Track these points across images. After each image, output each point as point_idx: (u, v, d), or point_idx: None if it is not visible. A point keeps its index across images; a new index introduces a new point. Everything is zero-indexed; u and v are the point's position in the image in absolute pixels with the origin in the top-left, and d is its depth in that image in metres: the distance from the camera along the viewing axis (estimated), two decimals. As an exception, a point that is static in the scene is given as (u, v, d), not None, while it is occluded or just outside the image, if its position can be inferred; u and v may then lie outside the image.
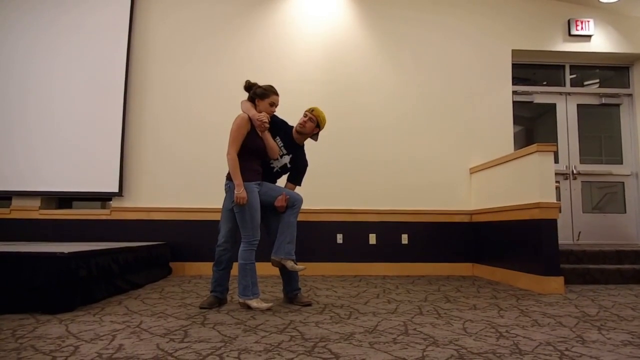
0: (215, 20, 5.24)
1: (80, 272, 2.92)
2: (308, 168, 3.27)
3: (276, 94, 3.05)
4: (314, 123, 3.14)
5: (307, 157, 3.28)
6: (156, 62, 5.16)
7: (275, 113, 3.14)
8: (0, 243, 4.18)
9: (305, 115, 3.14)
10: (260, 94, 3.00)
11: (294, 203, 3.03)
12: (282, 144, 3.14)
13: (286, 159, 3.16)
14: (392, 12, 5.38)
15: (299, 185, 3.24)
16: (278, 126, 3.16)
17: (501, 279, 4.35)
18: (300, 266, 3.01)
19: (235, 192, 2.79)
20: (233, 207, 2.90)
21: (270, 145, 3.02)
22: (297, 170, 3.20)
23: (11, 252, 2.85)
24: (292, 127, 3.21)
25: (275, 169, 3.16)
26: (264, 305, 2.87)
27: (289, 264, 2.96)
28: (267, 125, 2.98)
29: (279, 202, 2.99)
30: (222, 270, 3.04)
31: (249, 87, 3.07)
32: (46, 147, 4.89)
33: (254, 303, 2.86)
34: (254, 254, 2.89)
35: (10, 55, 5.01)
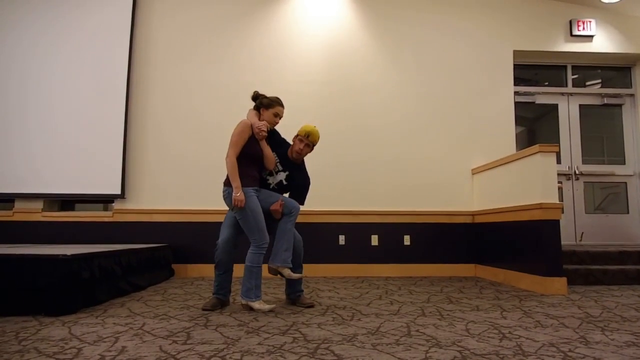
0: (217, 21, 5.25)
1: (82, 274, 2.92)
2: (309, 166, 3.26)
3: (281, 105, 3.07)
4: (310, 148, 3.13)
5: (309, 157, 3.27)
6: (158, 63, 5.17)
7: (295, 161, 3.17)
8: (3, 245, 4.19)
9: (301, 141, 3.08)
10: (266, 104, 3.03)
11: (291, 210, 3.00)
12: (278, 160, 3.13)
13: (282, 176, 3.13)
14: (394, 13, 5.39)
15: (301, 204, 3.15)
16: (278, 143, 3.17)
17: (504, 280, 4.34)
18: (297, 274, 3.00)
19: (233, 195, 2.80)
20: (235, 214, 2.91)
21: (266, 155, 3.02)
22: (297, 187, 3.16)
23: (14, 255, 2.86)
24: (289, 145, 3.19)
25: (271, 186, 3.12)
26: (267, 306, 2.87)
27: (286, 272, 2.93)
28: (265, 134, 2.98)
29: (274, 206, 2.96)
30: (223, 274, 3.04)
31: (256, 97, 3.09)
32: (48, 149, 4.90)
33: (256, 305, 2.86)
34: (262, 258, 2.89)
35: (11, 56, 5.03)
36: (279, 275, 2.98)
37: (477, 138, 5.25)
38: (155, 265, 4.29)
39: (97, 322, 2.53)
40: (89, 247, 3.85)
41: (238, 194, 2.80)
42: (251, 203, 2.85)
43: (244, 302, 2.89)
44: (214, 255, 3.05)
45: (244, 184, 2.85)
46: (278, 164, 3.13)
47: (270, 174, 3.13)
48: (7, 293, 2.74)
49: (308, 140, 3.08)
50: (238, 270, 3.11)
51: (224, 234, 3.04)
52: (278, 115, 3.05)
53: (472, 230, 5.08)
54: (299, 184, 3.15)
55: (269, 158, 3.04)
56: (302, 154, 3.13)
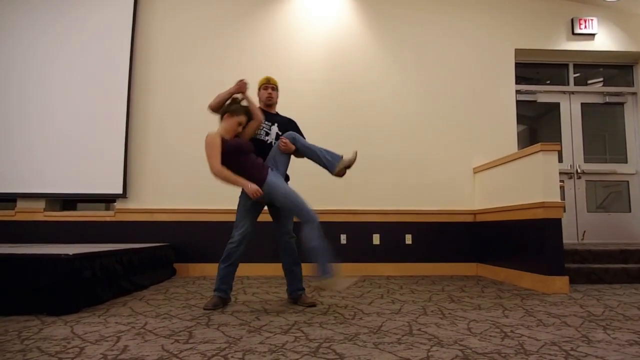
0: (218, 20, 5.25)
1: (84, 274, 2.93)
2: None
3: (246, 114, 3.05)
4: (276, 91, 3.30)
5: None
6: (160, 62, 5.17)
7: (271, 112, 3.27)
8: (5, 245, 4.21)
9: (266, 89, 3.25)
10: (233, 110, 2.98)
11: (294, 136, 3.05)
12: (263, 121, 3.17)
13: (275, 129, 3.19)
14: (395, 12, 5.38)
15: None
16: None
17: (505, 279, 4.34)
18: (352, 156, 3.04)
19: (245, 190, 2.79)
20: (274, 203, 2.93)
21: (253, 108, 3.05)
22: (290, 130, 3.21)
23: (16, 254, 2.87)
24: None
25: (273, 143, 3.15)
26: (350, 279, 2.82)
27: (346, 161, 3.01)
28: (247, 84, 3.10)
29: (281, 143, 3.01)
30: (230, 266, 3.02)
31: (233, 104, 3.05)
32: (50, 149, 4.91)
33: (337, 280, 2.78)
34: (320, 231, 2.84)
35: (11, 56, 5.03)
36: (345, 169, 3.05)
37: (479, 137, 5.25)
38: (157, 265, 4.29)
39: (99, 322, 2.54)
40: (91, 246, 3.85)
41: (248, 186, 2.78)
42: (279, 183, 2.88)
43: (320, 281, 2.78)
44: (225, 248, 3.02)
45: (260, 178, 2.83)
46: (265, 121, 3.17)
47: (267, 133, 3.16)
48: (9, 292, 2.75)
49: (270, 84, 3.26)
50: (241, 270, 3.13)
51: (244, 225, 3.02)
52: (241, 124, 3.00)
53: (474, 229, 5.07)
54: (288, 127, 3.21)
55: (256, 113, 3.05)
56: (273, 98, 3.27)
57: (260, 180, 2.87)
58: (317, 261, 2.79)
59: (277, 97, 3.32)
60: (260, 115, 3.08)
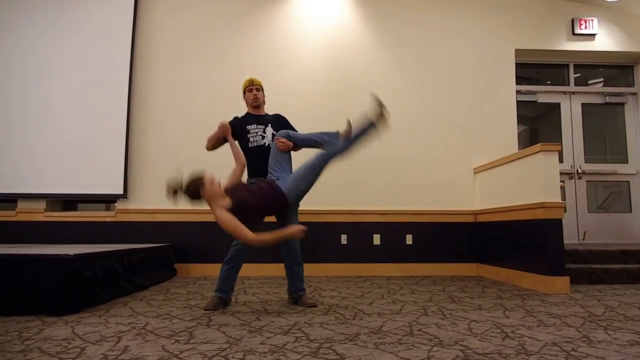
0: (218, 20, 5.25)
1: (85, 274, 2.93)
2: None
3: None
4: (261, 91, 3.30)
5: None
6: (160, 62, 5.17)
7: (268, 112, 3.33)
8: (6, 245, 4.21)
9: (250, 91, 3.28)
10: (195, 185, 2.73)
11: (289, 135, 3.05)
12: (255, 127, 3.20)
13: (270, 130, 3.21)
14: (395, 12, 5.38)
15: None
16: (239, 124, 3.23)
17: (506, 279, 4.34)
18: (347, 127, 3.05)
19: (295, 235, 2.65)
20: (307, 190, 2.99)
21: (235, 152, 3.13)
22: (282, 128, 3.23)
23: (17, 255, 2.87)
24: (245, 114, 3.32)
25: (269, 145, 3.17)
26: (381, 106, 3.05)
27: (344, 134, 3.02)
28: (229, 128, 3.14)
29: (280, 144, 3.01)
30: (232, 268, 3.02)
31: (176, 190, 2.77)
32: (50, 149, 4.91)
33: (380, 115, 3.02)
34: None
35: (11, 56, 5.03)
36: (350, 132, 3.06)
37: (479, 137, 5.25)
38: (158, 265, 4.29)
39: (100, 322, 2.54)
40: (92, 247, 3.86)
41: (288, 233, 2.63)
42: (281, 184, 2.87)
43: (377, 126, 3.02)
44: (230, 249, 3.02)
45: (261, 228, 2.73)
46: (257, 127, 3.20)
47: (262, 137, 3.19)
48: (10, 293, 2.75)
49: (254, 85, 3.28)
50: (243, 271, 3.13)
51: (249, 228, 3.01)
52: (214, 180, 2.80)
53: (474, 229, 5.07)
54: (282, 127, 3.22)
55: (237, 153, 3.13)
56: (259, 99, 3.28)
57: (280, 198, 2.84)
58: (361, 133, 3.03)
59: (263, 97, 3.33)
60: (242, 158, 3.12)
